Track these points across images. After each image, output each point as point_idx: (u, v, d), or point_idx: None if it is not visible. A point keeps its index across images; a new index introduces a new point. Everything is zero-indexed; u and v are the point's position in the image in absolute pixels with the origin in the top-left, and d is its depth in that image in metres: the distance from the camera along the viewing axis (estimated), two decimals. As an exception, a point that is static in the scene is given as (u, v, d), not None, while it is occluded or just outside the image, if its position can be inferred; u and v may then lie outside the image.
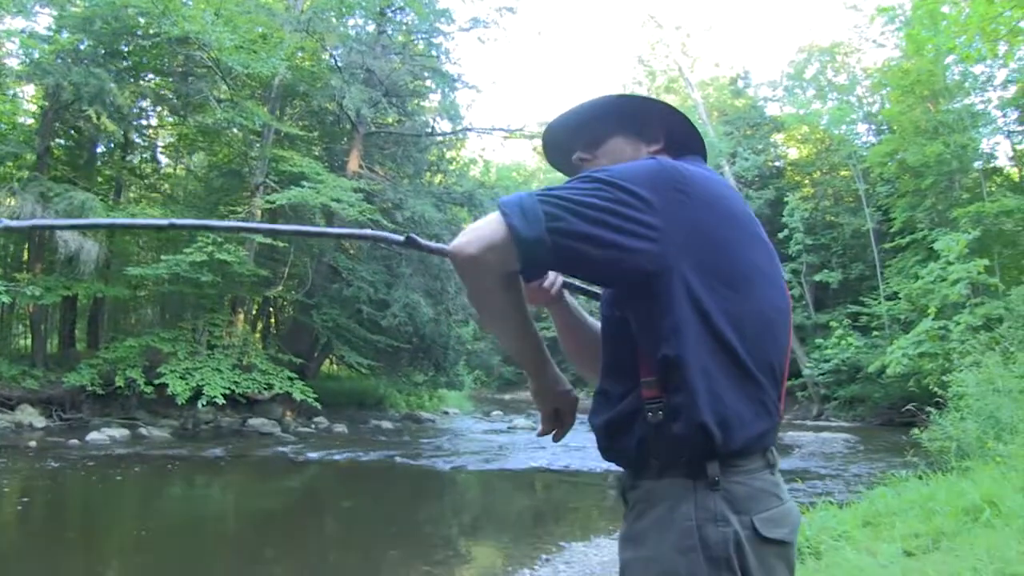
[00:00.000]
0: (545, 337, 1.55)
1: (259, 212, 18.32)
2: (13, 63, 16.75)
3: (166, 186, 22.20)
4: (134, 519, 9.45)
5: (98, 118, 15.71)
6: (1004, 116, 24.39)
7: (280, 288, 19.10)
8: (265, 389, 17.18)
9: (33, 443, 13.46)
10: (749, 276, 1.39)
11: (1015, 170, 26.06)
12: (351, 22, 22.03)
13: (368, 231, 1.87)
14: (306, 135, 21.25)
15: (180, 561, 7.17)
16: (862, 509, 6.29)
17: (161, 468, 12.04)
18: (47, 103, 17.36)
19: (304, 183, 17.05)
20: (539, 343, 1.52)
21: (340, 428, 18.61)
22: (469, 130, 23.67)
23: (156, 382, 15.73)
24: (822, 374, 26.63)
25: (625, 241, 1.30)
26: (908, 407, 13.39)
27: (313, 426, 18.53)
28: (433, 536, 8.65)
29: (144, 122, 21.56)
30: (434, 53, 22.53)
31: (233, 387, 16.26)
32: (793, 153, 36.02)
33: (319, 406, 17.77)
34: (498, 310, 1.44)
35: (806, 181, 34.11)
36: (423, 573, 6.75)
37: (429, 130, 23.45)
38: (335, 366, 26.26)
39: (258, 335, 22.52)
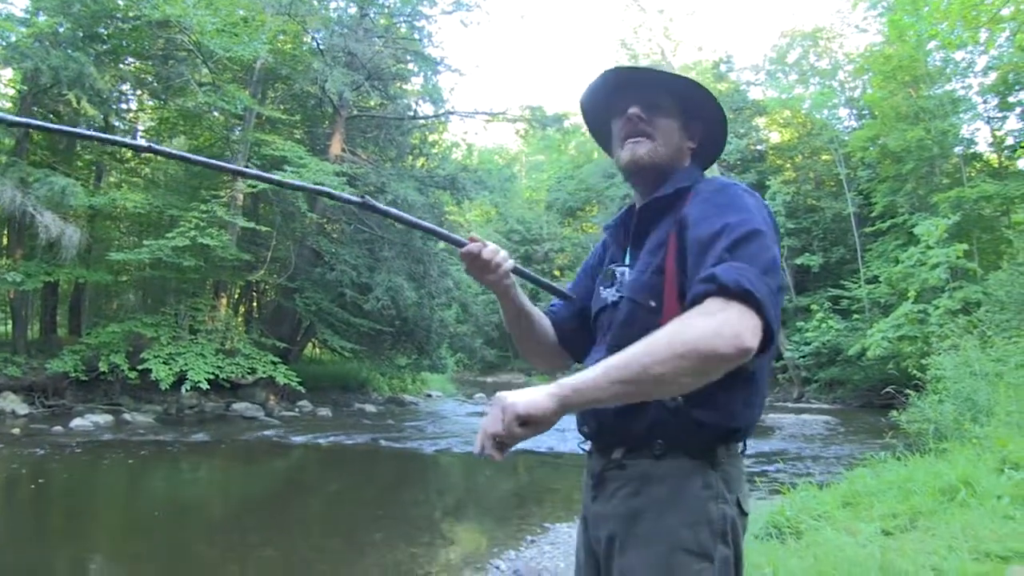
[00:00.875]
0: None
1: (241, 196, 18.20)
2: (-10, 46, 16.55)
3: (147, 170, 21.97)
4: (120, 505, 9.45)
5: (78, 102, 15.52)
6: (984, 102, 24.57)
7: (262, 272, 19.02)
8: (248, 373, 17.17)
9: (16, 430, 13.38)
10: None
11: (994, 156, 26.28)
12: (333, 5, 21.91)
13: (325, 188, 1.87)
14: (288, 119, 21.12)
15: (167, 546, 7.19)
16: (842, 490, 6.39)
17: (146, 454, 12.02)
18: (25, 87, 17.13)
19: (286, 167, 16.95)
20: None
21: (324, 412, 18.63)
22: (451, 113, 23.59)
23: (139, 367, 15.63)
24: (803, 357, 26.88)
25: None
26: (887, 389, 13.60)
27: (297, 410, 18.53)
28: (418, 519, 8.69)
29: (124, 106, 21.31)
30: (416, 36, 22.42)
31: (217, 372, 16.20)
32: (775, 137, 36.16)
33: (303, 390, 17.77)
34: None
35: (788, 165, 34.27)
36: (409, 555, 6.80)
37: (411, 113, 23.37)
38: (318, 350, 26.23)
39: (241, 319, 22.43)
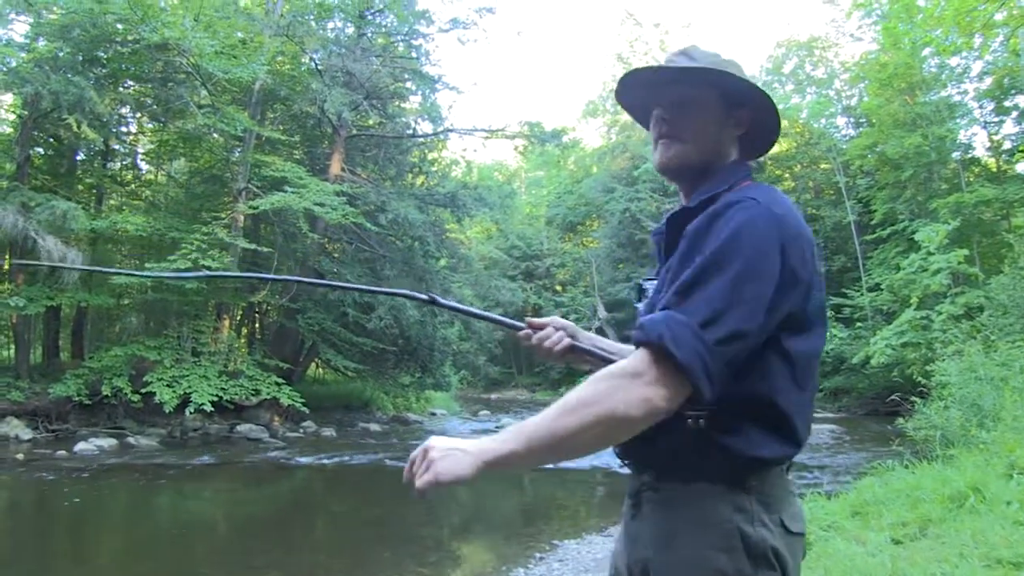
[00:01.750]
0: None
1: (241, 217, 18.23)
2: (-10, 72, 16.62)
3: (147, 193, 22.01)
4: (126, 528, 9.42)
5: (78, 126, 15.56)
6: (981, 107, 24.69)
7: (264, 293, 19.03)
8: (252, 395, 17.12)
9: (20, 455, 13.35)
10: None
11: (992, 160, 26.34)
12: (331, 25, 21.95)
13: (401, 290, 1.99)
14: (287, 139, 21.16)
15: (173, 569, 7.15)
16: (850, 499, 6.37)
17: (151, 477, 11.98)
18: (26, 112, 17.20)
19: (287, 187, 16.97)
20: None
21: (328, 432, 18.56)
22: (450, 131, 23.61)
23: (143, 391, 15.61)
24: (807, 366, 26.75)
25: None
26: (892, 397, 13.57)
27: (301, 430, 18.47)
28: (426, 537, 8.66)
29: (124, 129, 21.37)
30: (414, 55, 22.48)
31: (220, 394, 16.17)
32: (773, 147, 36.19)
33: (306, 410, 17.71)
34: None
35: (787, 175, 34.34)
36: (416, 575, 6.77)
37: (410, 132, 23.41)
38: (321, 370, 26.16)
39: (243, 340, 22.43)
